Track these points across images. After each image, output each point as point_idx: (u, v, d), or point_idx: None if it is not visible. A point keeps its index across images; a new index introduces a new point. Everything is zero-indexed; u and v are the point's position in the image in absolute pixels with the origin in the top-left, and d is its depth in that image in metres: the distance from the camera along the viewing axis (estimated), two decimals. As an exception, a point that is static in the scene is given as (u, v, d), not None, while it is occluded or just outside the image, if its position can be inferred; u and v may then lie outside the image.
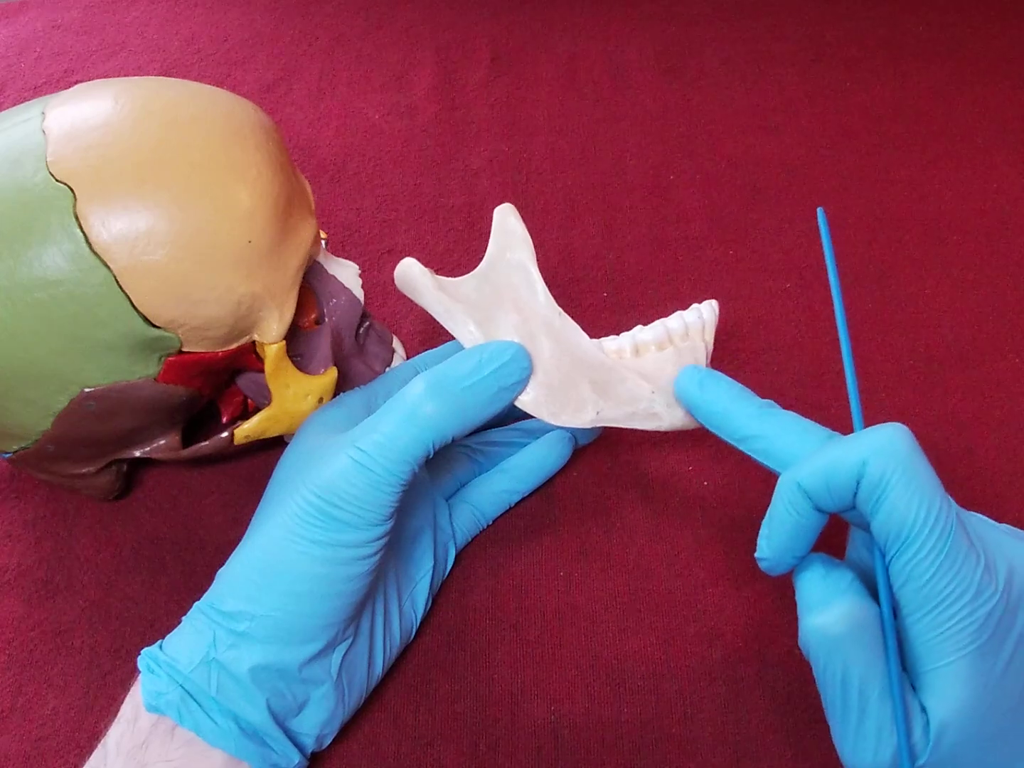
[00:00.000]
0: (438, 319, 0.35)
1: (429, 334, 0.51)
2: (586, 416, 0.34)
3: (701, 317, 0.34)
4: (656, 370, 0.34)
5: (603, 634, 0.41)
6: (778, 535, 0.31)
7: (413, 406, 0.33)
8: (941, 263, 0.55)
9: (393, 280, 0.54)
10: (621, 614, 0.41)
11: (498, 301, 0.35)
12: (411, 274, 0.35)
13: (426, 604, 0.40)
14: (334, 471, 0.33)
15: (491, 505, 0.43)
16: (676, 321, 0.34)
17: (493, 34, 0.71)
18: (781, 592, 0.42)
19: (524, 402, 0.34)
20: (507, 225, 0.36)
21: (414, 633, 0.40)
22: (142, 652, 0.34)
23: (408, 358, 0.49)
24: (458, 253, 0.56)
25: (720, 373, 0.35)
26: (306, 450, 0.35)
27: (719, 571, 0.43)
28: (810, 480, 0.30)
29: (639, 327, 0.37)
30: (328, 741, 0.36)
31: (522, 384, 0.34)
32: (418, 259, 0.55)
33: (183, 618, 0.35)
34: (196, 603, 0.35)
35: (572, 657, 0.40)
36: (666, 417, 0.34)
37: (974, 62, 0.68)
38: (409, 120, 0.64)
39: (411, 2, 0.74)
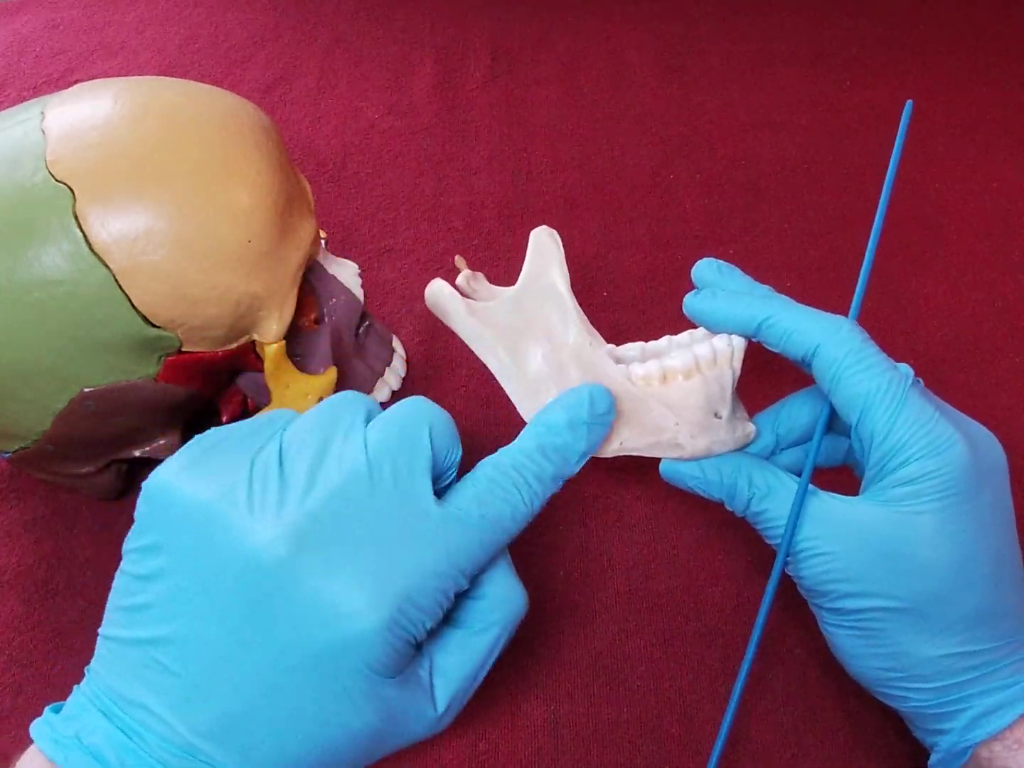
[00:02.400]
0: (467, 343, 0.34)
1: (429, 334, 0.51)
2: (610, 447, 0.34)
3: (731, 345, 0.34)
4: (681, 399, 0.33)
5: (603, 634, 0.41)
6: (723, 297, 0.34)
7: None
8: (941, 263, 0.55)
9: (393, 280, 0.54)
10: (621, 614, 0.41)
11: (529, 329, 0.34)
12: (442, 297, 0.34)
13: None
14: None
15: None
16: (705, 348, 0.34)
17: (493, 34, 0.71)
18: (781, 592, 0.42)
19: None
20: (543, 248, 0.36)
21: None
22: (36, 724, 0.28)
23: (408, 358, 0.49)
24: (458, 253, 0.56)
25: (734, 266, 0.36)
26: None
27: (719, 571, 0.42)
28: (768, 334, 0.33)
29: (668, 338, 0.36)
30: None
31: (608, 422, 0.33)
32: (417, 259, 0.56)
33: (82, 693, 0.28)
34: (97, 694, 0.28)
35: (572, 657, 0.40)
36: (688, 447, 0.34)
37: (974, 61, 0.68)
38: (409, 120, 0.64)
39: (411, 2, 0.74)
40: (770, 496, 0.33)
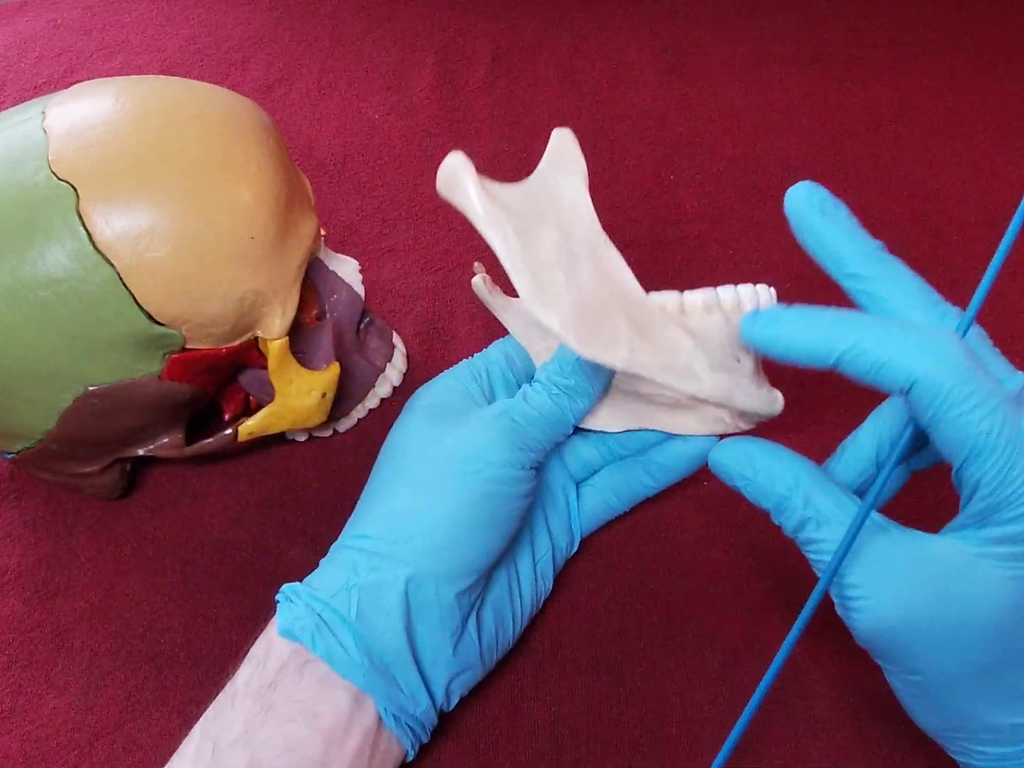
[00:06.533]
0: (475, 222, 0.31)
1: (429, 334, 0.51)
2: (618, 353, 0.30)
3: (757, 296, 0.31)
4: (700, 330, 0.31)
5: (603, 634, 0.41)
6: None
7: None
8: (941, 263, 0.55)
9: (393, 279, 0.54)
10: (621, 614, 0.41)
11: (541, 216, 0.32)
12: (459, 167, 0.31)
13: (551, 579, 0.40)
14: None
15: (619, 498, 0.41)
16: (729, 293, 0.31)
17: (493, 34, 0.71)
18: (781, 592, 0.42)
19: (552, 324, 0.30)
20: (563, 147, 0.33)
21: (541, 604, 0.40)
22: (283, 587, 0.34)
23: (408, 356, 0.49)
24: (458, 253, 0.56)
25: (841, 204, 0.30)
26: (437, 421, 0.36)
27: (720, 571, 0.43)
28: (852, 367, 0.27)
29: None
30: (456, 700, 0.35)
31: None
32: (417, 259, 0.56)
33: (322, 561, 0.35)
34: (335, 543, 0.35)
35: (572, 657, 0.40)
36: (706, 381, 0.30)
37: (974, 61, 0.68)
38: (409, 120, 0.64)
39: (411, 2, 0.74)
40: (829, 525, 0.28)
